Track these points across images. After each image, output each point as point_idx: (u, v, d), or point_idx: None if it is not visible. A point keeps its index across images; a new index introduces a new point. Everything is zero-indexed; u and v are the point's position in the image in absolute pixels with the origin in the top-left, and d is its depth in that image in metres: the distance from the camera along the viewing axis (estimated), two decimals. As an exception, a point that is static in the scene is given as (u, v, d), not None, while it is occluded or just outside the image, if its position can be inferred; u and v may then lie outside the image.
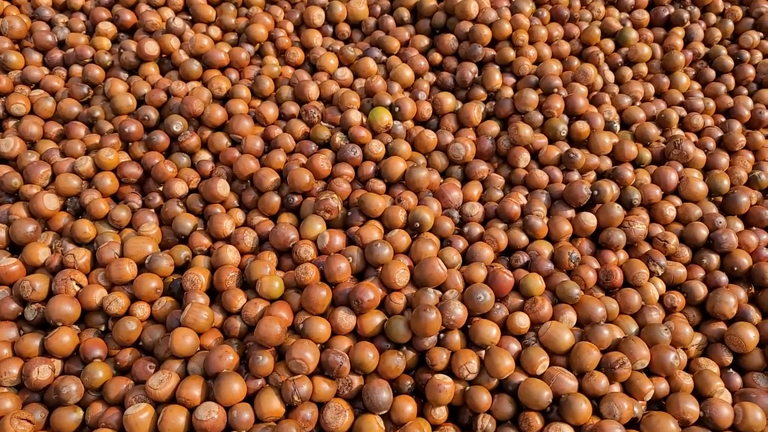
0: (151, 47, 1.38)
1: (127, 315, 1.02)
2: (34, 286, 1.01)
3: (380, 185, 1.20)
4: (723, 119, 1.41)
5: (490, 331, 0.96)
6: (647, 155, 1.28)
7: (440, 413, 0.94)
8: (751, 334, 1.00)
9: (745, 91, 1.47)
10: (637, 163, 1.28)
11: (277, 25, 1.52)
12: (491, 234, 1.11)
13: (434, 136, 1.27)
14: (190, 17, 1.54)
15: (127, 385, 0.94)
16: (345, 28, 1.53)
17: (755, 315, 1.05)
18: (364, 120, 1.29)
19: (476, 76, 1.41)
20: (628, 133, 1.34)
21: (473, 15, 1.45)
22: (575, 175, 1.24)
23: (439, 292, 1.01)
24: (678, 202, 1.21)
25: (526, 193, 1.22)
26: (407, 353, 0.97)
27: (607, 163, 1.28)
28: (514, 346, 0.97)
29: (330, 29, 1.53)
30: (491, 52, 1.44)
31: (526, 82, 1.37)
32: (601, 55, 1.45)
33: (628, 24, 1.55)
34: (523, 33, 1.43)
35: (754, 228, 1.17)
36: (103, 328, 1.04)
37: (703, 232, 1.13)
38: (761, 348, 1.01)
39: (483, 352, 0.96)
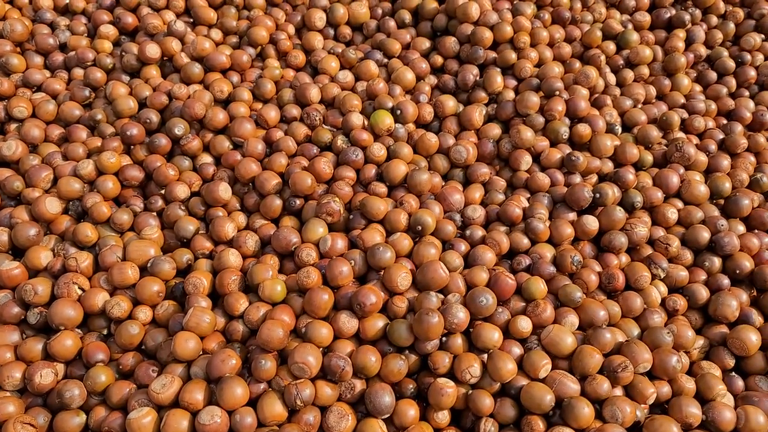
0: (153, 50, 1.39)
1: (129, 319, 1.02)
2: (36, 290, 1.01)
3: (382, 188, 1.20)
4: (725, 121, 1.41)
5: (493, 335, 0.96)
6: (649, 158, 1.28)
7: (443, 417, 0.94)
8: (753, 337, 1.00)
9: (747, 93, 1.47)
10: (638, 166, 1.28)
11: (278, 27, 1.52)
12: (493, 237, 1.11)
13: (436, 138, 1.27)
14: (192, 20, 1.54)
15: (130, 389, 0.94)
16: (346, 31, 1.53)
17: (757, 318, 1.05)
18: (366, 123, 1.29)
19: (478, 78, 1.41)
20: (629, 136, 1.34)
21: (474, 17, 1.45)
22: (577, 178, 1.24)
23: (441, 296, 1.01)
24: (680, 204, 1.21)
25: (528, 196, 1.22)
26: (409, 357, 0.98)
27: (608, 166, 1.28)
28: (517, 349, 0.97)
29: (331, 32, 1.53)
30: (492, 54, 1.44)
31: (528, 84, 1.37)
32: (603, 57, 1.45)
33: (630, 26, 1.55)
34: (525, 35, 1.43)
35: (756, 231, 1.17)
36: (105, 331, 1.05)
37: (705, 234, 1.13)
38: (763, 351, 1.01)
39: (485, 355, 0.96)
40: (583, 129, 1.28)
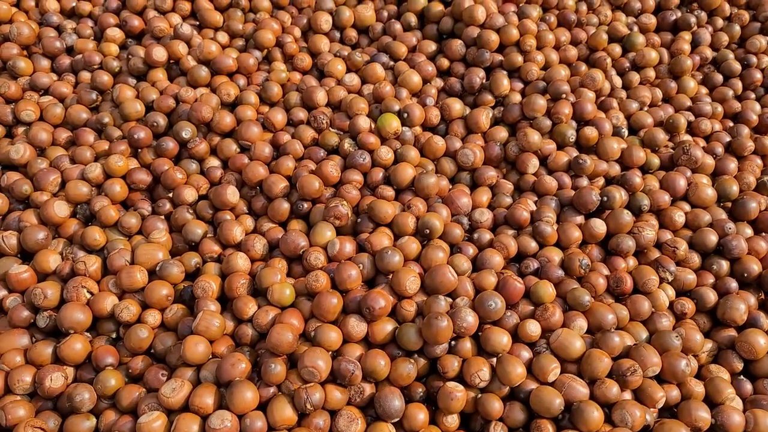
0: (159, 53, 1.39)
1: (138, 322, 1.02)
2: (45, 294, 1.02)
3: (389, 192, 1.20)
4: (731, 124, 1.41)
5: (502, 339, 0.96)
6: (656, 161, 1.28)
7: (452, 421, 0.94)
8: (761, 341, 1.00)
9: (753, 96, 1.47)
10: (645, 169, 1.28)
11: (284, 30, 1.52)
12: (501, 241, 1.11)
13: (443, 142, 1.27)
14: (198, 23, 1.54)
15: (140, 393, 0.94)
16: (352, 34, 1.53)
17: (766, 321, 1.05)
18: (373, 126, 1.29)
19: (484, 81, 1.41)
20: (636, 139, 1.34)
21: (481, 20, 1.45)
22: (584, 181, 1.25)
23: (449, 300, 1.01)
24: (687, 207, 1.21)
25: (535, 199, 1.22)
26: (419, 361, 0.98)
27: (615, 169, 1.28)
28: (526, 353, 0.98)
29: (337, 35, 1.54)
30: (499, 57, 1.44)
31: (535, 87, 1.37)
32: (609, 60, 1.45)
33: (636, 28, 1.55)
34: (531, 38, 1.43)
35: (763, 234, 1.17)
36: (114, 335, 1.05)
37: (712, 238, 1.13)
38: (772, 354, 1.01)
39: (494, 359, 0.97)
40: (590, 132, 1.28)
